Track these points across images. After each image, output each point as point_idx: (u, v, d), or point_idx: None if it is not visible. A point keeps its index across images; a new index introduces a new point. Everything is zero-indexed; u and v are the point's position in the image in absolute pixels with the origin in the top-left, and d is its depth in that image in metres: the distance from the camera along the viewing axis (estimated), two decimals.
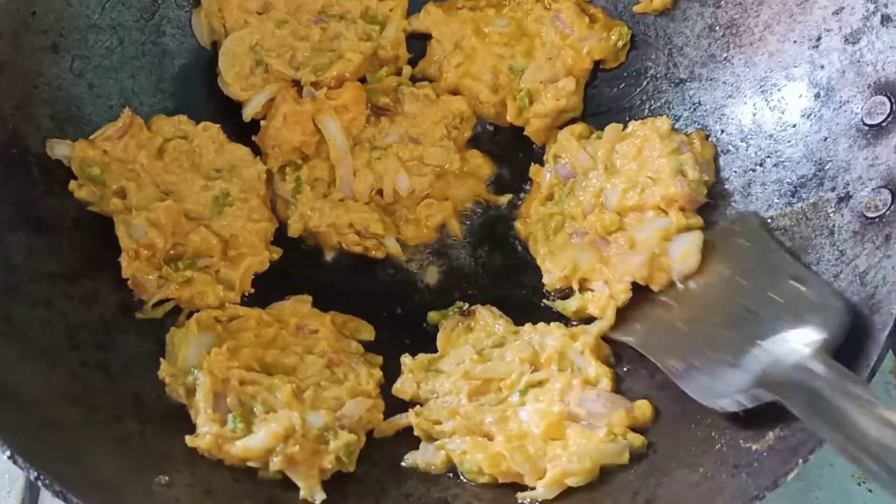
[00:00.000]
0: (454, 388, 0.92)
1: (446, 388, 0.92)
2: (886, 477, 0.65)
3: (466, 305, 1.01)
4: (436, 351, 0.98)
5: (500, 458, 0.84)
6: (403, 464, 0.88)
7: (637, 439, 0.85)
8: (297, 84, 1.06)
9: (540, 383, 0.90)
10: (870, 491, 1.00)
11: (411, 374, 0.94)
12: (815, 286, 0.85)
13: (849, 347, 0.79)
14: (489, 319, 1.00)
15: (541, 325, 0.97)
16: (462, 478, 0.87)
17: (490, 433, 0.87)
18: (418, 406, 0.92)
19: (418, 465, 0.88)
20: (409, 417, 0.90)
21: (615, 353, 0.96)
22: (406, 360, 0.96)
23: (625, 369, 0.94)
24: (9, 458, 0.71)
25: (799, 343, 0.78)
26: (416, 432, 0.90)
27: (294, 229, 1.05)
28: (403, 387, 0.94)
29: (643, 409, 0.88)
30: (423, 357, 0.96)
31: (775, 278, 0.87)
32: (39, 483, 0.71)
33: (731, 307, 0.89)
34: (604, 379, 0.90)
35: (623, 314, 0.96)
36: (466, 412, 0.89)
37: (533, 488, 0.83)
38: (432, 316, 1.02)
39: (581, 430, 0.85)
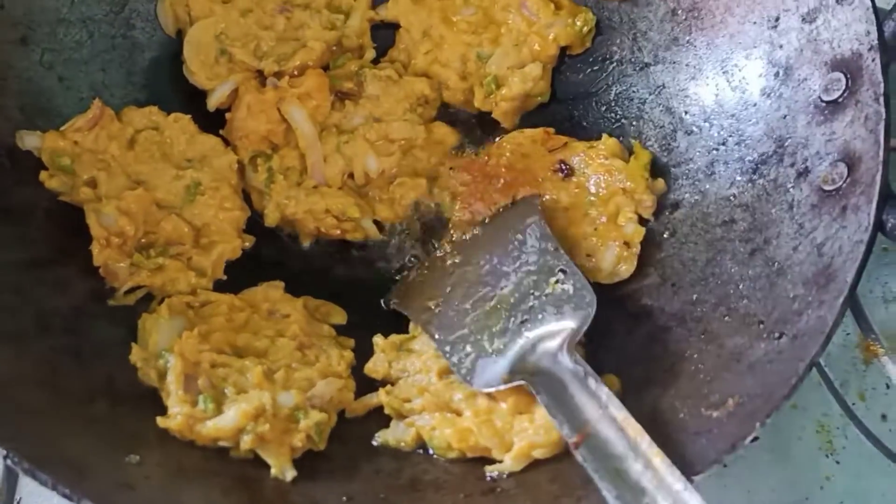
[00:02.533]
0: (424, 367, 0.93)
1: (417, 366, 0.93)
2: (598, 466, 0.76)
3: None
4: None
5: (468, 432, 0.86)
6: (374, 442, 0.90)
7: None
8: (260, 74, 1.07)
9: None
10: (837, 463, 1.02)
11: (383, 354, 0.95)
12: (573, 278, 0.92)
13: (807, 317, 0.81)
14: None
15: None
16: (432, 453, 0.88)
17: (458, 409, 0.88)
18: (389, 385, 0.93)
19: (389, 443, 0.89)
20: (380, 396, 0.91)
21: (586, 333, 0.97)
22: (378, 340, 0.97)
23: (595, 345, 0.95)
24: None
25: (554, 335, 0.88)
26: (386, 410, 0.91)
27: (271, 219, 1.06)
28: (375, 366, 0.95)
29: (611, 382, 0.89)
30: (395, 337, 0.97)
31: (547, 271, 0.94)
32: (9, 461, 0.72)
33: (510, 298, 0.93)
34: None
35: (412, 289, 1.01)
36: (436, 390, 0.90)
37: (501, 461, 0.85)
38: None
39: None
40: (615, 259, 0.99)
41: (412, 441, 0.88)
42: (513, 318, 0.91)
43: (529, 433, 0.84)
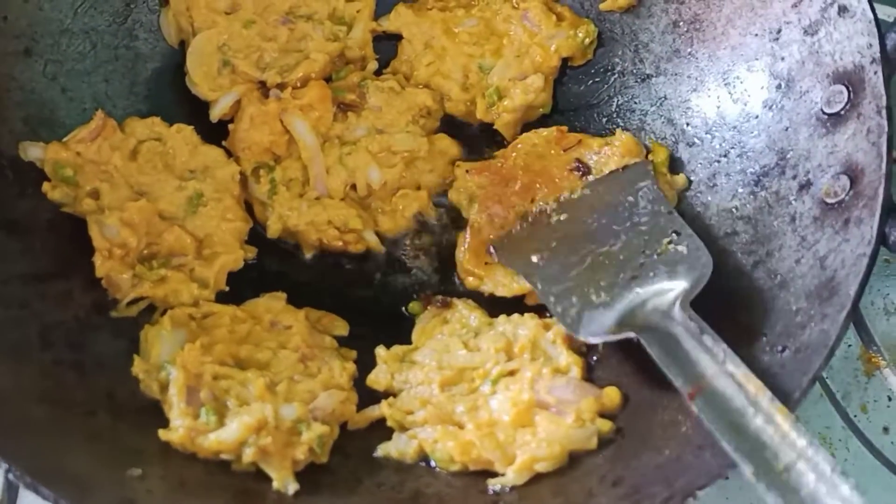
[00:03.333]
0: (427, 379, 0.93)
1: (419, 378, 0.93)
2: (714, 418, 0.75)
3: (441, 298, 1.02)
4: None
5: (470, 445, 0.85)
6: (376, 454, 0.89)
7: (605, 425, 0.87)
8: (263, 85, 1.07)
9: (511, 373, 0.92)
10: (845, 460, 1.01)
11: (385, 366, 0.95)
12: (688, 240, 0.91)
13: (809, 330, 0.81)
14: (465, 311, 1.01)
15: (515, 315, 0.98)
16: (434, 466, 0.88)
17: (461, 422, 0.88)
18: (391, 397, 0.93)
19: (391, 455, 0.89)
20: (382, 408, 0.91)
21: (587, 344, 0.97)
22: (381, 351, 0.97)
23: (595, 358, 0.95)
24: None
25: (667, 293, 0.86)
26: (389, 423, 0.91)
27: (273, 230, 1.06)
28: (378, 378, 0.95)
29: (612, 395, 0.89)
30: (397, 349, 0.97)
31: (659, 232, 0.93)
32: (11, 476, 0.72)
33: (619, 255, 0.93)
34: (574, 367, 0.91)
35: (514, 242, 1.00)
36: (438, 402, 0.90)
37: (503, 475, 0.85)
38: (413, 306, 1.04)
39: (550, 417, 0.86)
40: None
41: (414, 454, 0.88)
42: (622, 274, 0.90)
43: (532, 446, 0.84)
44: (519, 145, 1.08)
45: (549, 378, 0.89)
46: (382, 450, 0.89)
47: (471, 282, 1.03)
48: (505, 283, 1.01)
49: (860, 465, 1.02)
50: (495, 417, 0.87)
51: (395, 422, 0.91)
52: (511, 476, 0.84)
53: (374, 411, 0.92)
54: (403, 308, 1.04)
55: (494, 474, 0.85)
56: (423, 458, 0.88)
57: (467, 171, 1.08)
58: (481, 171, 1.08)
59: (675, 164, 1.05)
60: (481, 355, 0.94)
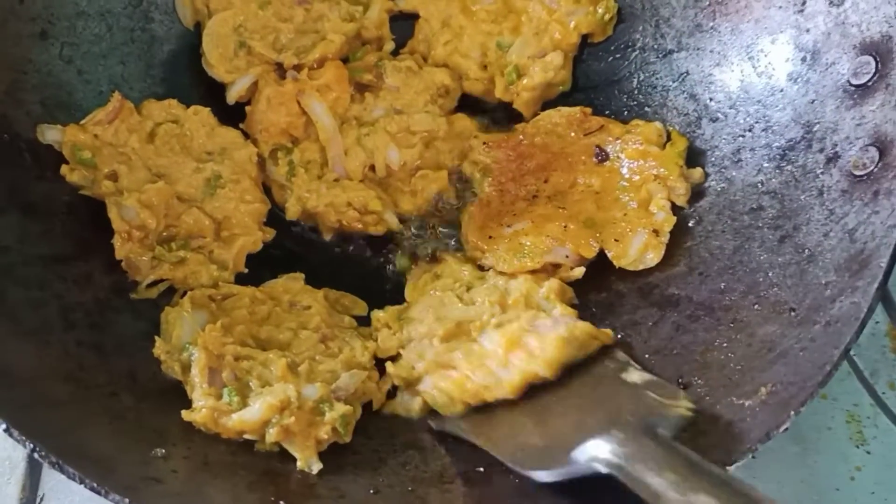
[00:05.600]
0: (429, 332, 0.92)
1: (421, 332, 0.93)
2: None
3: (431, 253, 1.04)
4: None
5: (464, 380, 0.86)
6: (384, 410, 0.90)
7: (604, 334, 0.88)
8: (279, 66, 1.06)
9: (503, 324, 0.90)
10: (868, 453, 1.00)
11: (387, 329, 0.95)
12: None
13: (840, 303, 0.79)
14: (455, 265, 1.01)
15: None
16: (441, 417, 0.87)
17: (456, 365, 0.88)
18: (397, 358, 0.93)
19: (397, 412, 0.90)
20: (388, 370, 0.91)
21: (583, 303, 0.98)
22: (378, 314, 0.97)
23: (622, 335, 0.94)
24: (4, 430, 0.72)
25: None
26: (395, 381, 0.91)
27: (292, 212, 1.05)
28: (384, 344, 0.95)
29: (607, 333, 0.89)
30: (392, 309, 0.98)
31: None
32: (36, 455, 0.71)
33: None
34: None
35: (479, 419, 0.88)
36: (436, 352, 0.90)
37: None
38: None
39: (541, 335, 0.86)
40: (643, 246, 0.98)
41: (419, 408, 0.89)
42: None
43: (526, 362, 0.84)
44: (541, 122, 1.07)
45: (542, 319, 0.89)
46: (388, 408, 0.90)
47: (473, 254, 1.03)
48: (506, 259, 1.00)
49: (889, 442, 1.01)
50: (487, 351, 0.87)
51: (402, 379, 0.91)
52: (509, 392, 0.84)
53: (399, 408, 0.92)
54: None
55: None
56: (430, 411, 0.89)
57: (484, 144, 1.07)
58: (499, 145, 1.07)
59: (693, 157, 1.03)
60: (476, 308, 0.93)
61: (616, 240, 0.99)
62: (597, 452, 0.73)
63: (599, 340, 0.88)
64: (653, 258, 0.98)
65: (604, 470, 0.71)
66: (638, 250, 0.98)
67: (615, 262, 0.98)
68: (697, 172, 1.01)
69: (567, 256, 0.99)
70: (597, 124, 1.05)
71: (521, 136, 1.07)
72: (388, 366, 0.91)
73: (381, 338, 0.95)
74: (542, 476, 0.77)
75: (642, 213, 0.99)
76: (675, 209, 1.00)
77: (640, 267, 0.98)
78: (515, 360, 0.85)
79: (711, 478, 0.66)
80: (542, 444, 0.80)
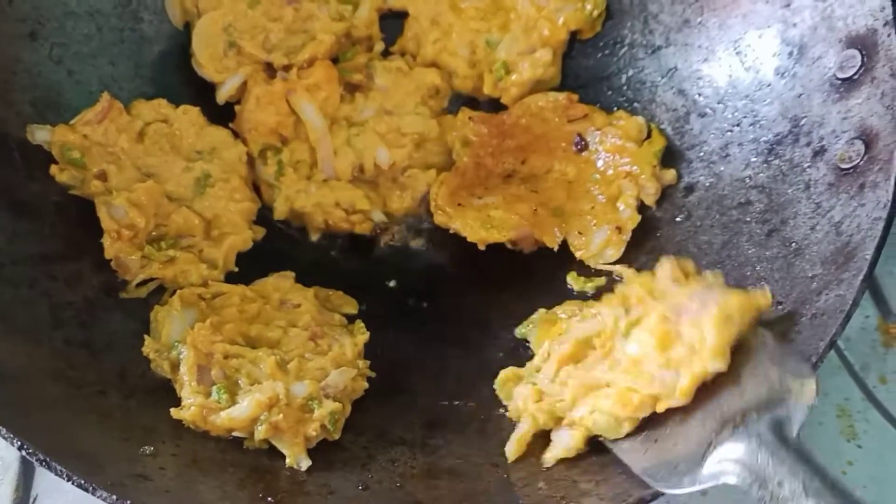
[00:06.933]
0: (559, 361, 0.85)
1: (550, 373, 0.85)
2: None
3: None
4: (421, 325, 1.01)
5: (628, 393, 0.76)
6: (546, 466, 0.82)
7: (761, 298, 0.77)
8: (269, 66, 1.06)
9: (638, 321, 0.81)
10: (859, 447, 1.00)
11: (520, 390, 0.87)
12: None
13: (825, 296, 0.79)
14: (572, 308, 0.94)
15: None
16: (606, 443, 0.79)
17: (608, 381, 0.79)
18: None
19: (558, 457, 0.81)
20: (533, 414, 0.83)
21: None
22: (505, 377, 0.90)
23: None
24: None
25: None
26: (542, 426, 0.83)
27: (280, 212, 1.05)
28: (524, 406, 0.85)
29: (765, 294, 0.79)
30: (510, 371, 0.91)
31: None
32: (24, 452, 0.72)
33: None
34: None
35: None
36: (578, 374, 0.82)
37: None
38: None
39: (693, 321, 0.75)
40: (604, 242, 0.99)
41: (582, 443, 0.80)
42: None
43: (690, 358, 0.74)
44: (528, 103, 1.07)
45: (681, 305, 0.78)
46: (549, 458, 0.81)
47: (440, 217, 1.03)
48: (473, 227, 1.00)
49: (880, 436, 1.00)
50: (639, 356, 0.77)
51: (551, 418, 0.82)
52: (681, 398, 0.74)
53: (556, 449, 0.82)
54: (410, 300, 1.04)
55: None
56: (591, 440, 0.80)
57: (470, 118, 1.08)
58: (483, 121, 1.07)
59: (674, 155, 1.03)
60: (596, 320, 0.85)
61: (580, 232, 1.00)
62: (724, 467, 0.68)
63: (758, 306, 0.77)
64: (613, 254, 0.99)
65: (733, 482, 0.68)
66: (599, 245, 0.99)
67: (575, 255, 0.99)
68: (670, 174, 1.02)
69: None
70: (581, 112, 1.06)
71: (506, 115, 1.07)
72: (534, 410, 0.83)
73: (512, 407, 0.86)
74: (674, 491, 0.72)
75: (609, 209, 1.00)
76: (644, 208, 1.01)
77: (600, 262, 0.99)
78: (676, 358, 0.75)
79: (835, 490, 0.64)
80: (680, 452, 0.74)
